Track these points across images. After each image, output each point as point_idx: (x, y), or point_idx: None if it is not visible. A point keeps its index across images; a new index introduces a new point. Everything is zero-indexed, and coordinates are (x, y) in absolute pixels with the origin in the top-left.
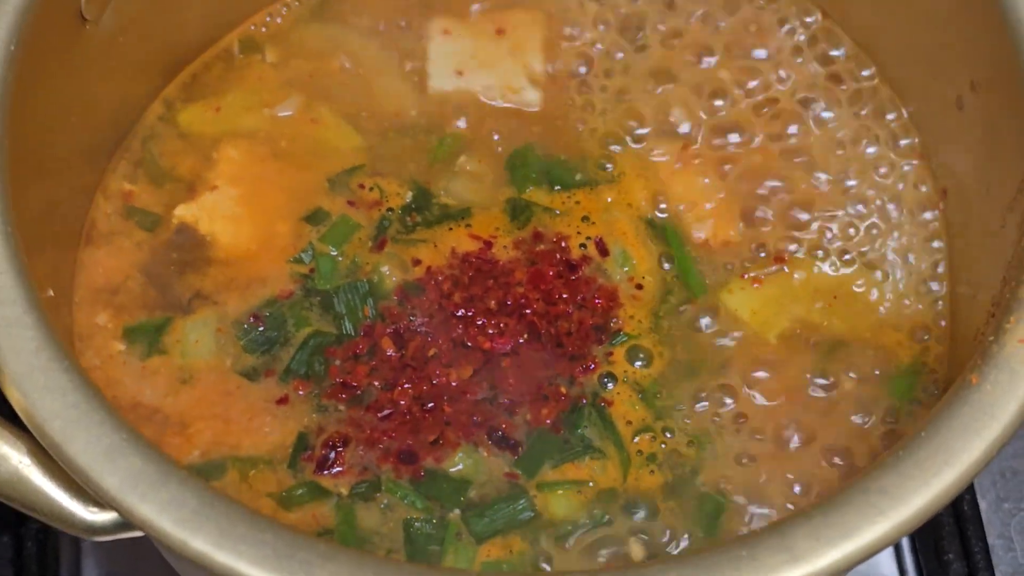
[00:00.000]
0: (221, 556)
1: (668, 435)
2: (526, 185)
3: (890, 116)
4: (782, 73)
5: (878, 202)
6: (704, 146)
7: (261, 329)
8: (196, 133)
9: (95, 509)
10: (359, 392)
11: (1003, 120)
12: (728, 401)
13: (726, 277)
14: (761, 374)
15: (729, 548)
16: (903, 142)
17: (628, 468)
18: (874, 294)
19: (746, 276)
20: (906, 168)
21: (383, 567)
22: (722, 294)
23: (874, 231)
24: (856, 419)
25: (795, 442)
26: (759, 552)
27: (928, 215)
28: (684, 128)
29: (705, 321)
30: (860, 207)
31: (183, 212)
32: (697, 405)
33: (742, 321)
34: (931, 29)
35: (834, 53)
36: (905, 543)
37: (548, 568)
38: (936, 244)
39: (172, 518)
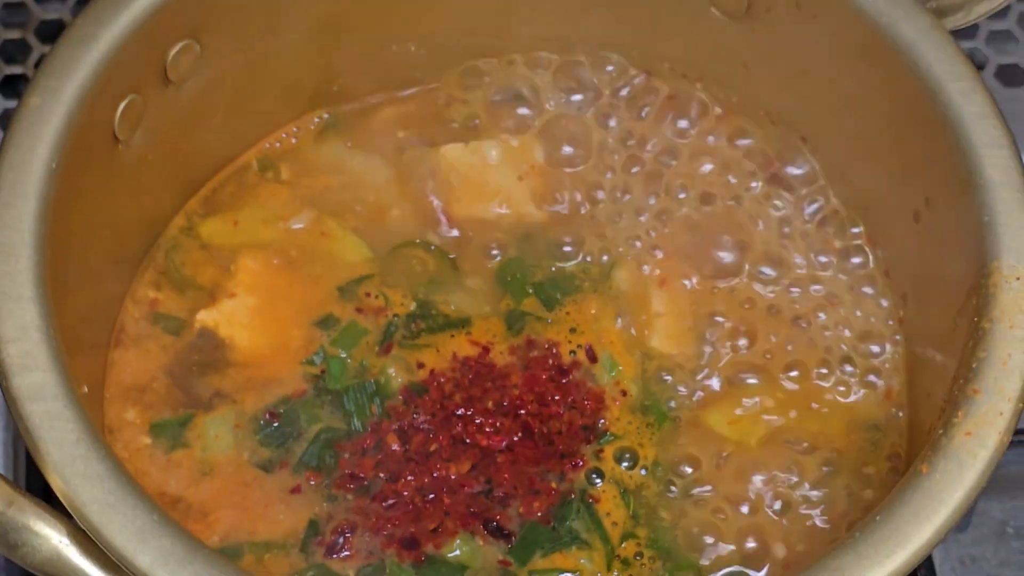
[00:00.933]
0: None
1: (649, 536)
2: (520, 297)
3: (853, 230)
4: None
5: (841, 310)
6: (682, 268)
7: (276, 425)
8: (216, 244)
9: None
10: (366, 483)
11: (954, 232)
12: (708, 502)
13: (700, 398)
14: (741, 478)
15: None
16: (859, 259)
17: (612, 559)
18: (840, 400)
19: (719, 395)
20: (867, 277)
21: None
22: (700, 413)
23: (837, 340)
24: (824, 518)
25: (778, 549)
26: None
27: (890, 321)
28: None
29: (686, 437)
30: (822, 316)
31: (204, 317)
32: (679, 506)
33: (720, 434)
34: (891, 153)
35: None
36: None
37: None
38: (896, 348)
39: None
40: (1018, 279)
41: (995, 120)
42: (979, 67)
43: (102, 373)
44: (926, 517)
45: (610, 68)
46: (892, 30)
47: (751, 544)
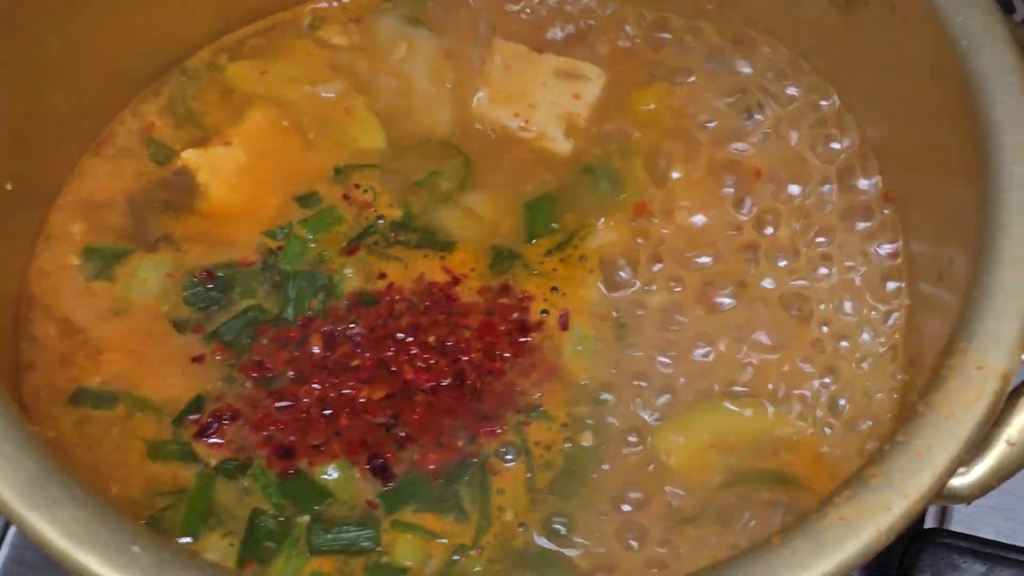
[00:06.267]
0: None
1: (535, 530)
2: (536, 232)
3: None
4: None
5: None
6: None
7: (209, 286)
8: (237, 89)
9: None
10: (271, 376)
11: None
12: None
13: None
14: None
15: None
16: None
17: (483, 536)
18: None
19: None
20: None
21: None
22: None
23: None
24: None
25: None
26: None
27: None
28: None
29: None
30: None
31: (188, 157)
32: (579, 517)
33: (671, 467)
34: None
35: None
36: None
37: None
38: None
39: None
40: None
41: None
42: None
43: (64, 177)
44: None
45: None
46: (968, 56)
47: None
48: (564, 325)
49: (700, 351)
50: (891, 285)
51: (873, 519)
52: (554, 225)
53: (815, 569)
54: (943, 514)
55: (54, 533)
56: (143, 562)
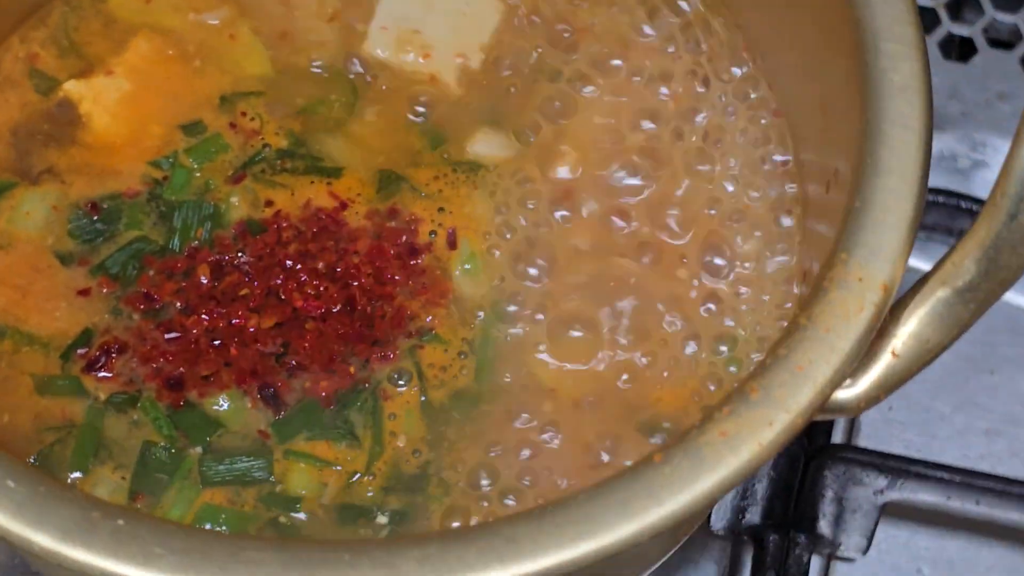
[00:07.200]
0: None
1: (427, 454)
2: (424, 156)
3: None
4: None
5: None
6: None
7: (95, 219)
8: (120, 19)
9: None
10: (158, 307)
11: None
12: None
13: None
14: (552, 434)
15: None
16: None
17: (375, 463)
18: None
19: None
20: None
21: None
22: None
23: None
24: None
25: None
26: None
27: None
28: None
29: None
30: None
31: (71, 88)
32: (471, 437)
33: (547, 387)
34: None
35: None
36: None
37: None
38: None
39: None
40: None
41: (914, 97)
42: (929, 29)
43: None
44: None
45: None
46: None
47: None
48: (452, 244)
49: (585, 272)
50: (784, 203)
51: (754, 434)
52: (440, 148)
53: (697, 486)
54: (851, 430)
55: None
56: (18, 496)
